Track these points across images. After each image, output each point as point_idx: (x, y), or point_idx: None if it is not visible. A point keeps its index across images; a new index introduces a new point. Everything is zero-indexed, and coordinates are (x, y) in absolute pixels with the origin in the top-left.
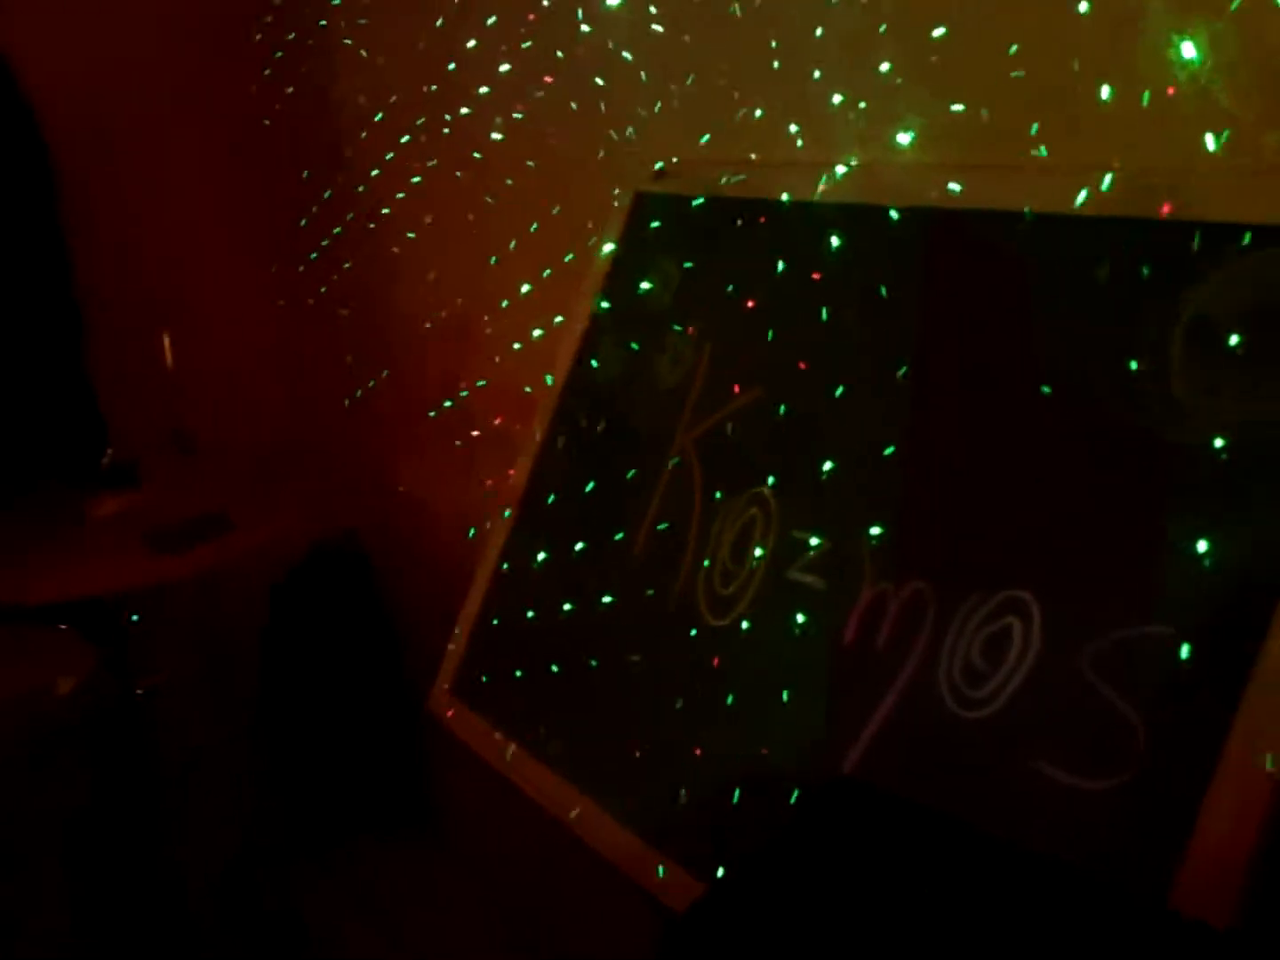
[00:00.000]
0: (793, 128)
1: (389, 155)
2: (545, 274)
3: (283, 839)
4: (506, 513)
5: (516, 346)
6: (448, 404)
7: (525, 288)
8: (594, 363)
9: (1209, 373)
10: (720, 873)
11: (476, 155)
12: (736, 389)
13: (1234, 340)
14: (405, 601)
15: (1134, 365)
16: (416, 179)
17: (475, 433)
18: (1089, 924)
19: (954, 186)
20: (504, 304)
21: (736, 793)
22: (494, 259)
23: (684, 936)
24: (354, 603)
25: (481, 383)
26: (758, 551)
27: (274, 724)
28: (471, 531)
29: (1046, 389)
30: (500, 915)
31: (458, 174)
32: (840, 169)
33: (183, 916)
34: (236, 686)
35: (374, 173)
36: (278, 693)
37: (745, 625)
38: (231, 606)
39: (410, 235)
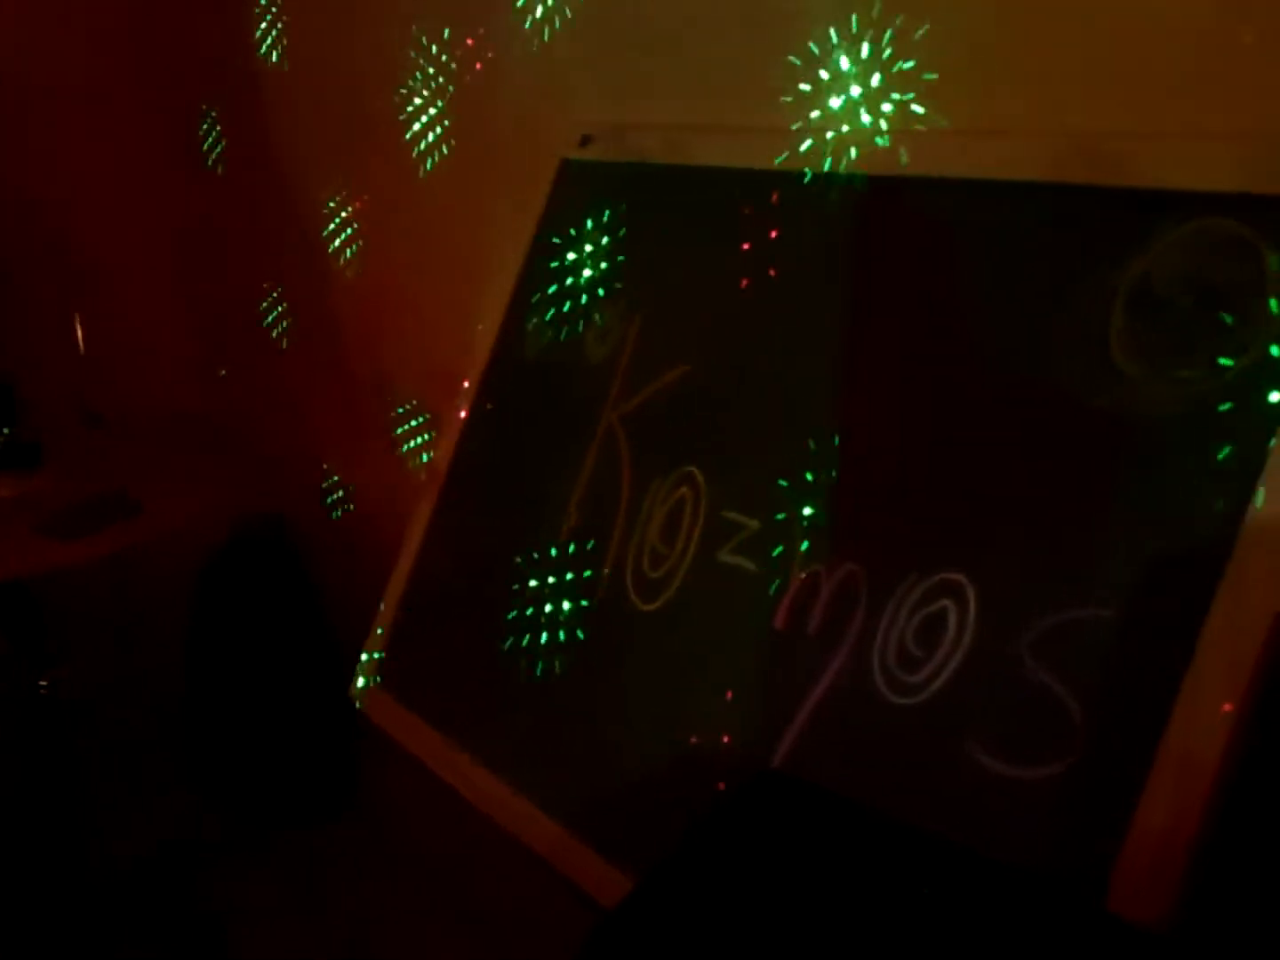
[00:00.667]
0: (724, 93)
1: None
2: (469, 245)
3: (210, 831)
4: (427, 494)
5: (440, 318)
6: (365, 371)
7: (448, 259)
8: (518, 336)
9: (1151, 343)
10: (647, 868)
11: (400, 119)
12: (665, 364)
13: (1176, 310)
14: (335, 585)
15: (1074, 336)
16: (336, 147)
17: (400, 409)
18: (1017, 924)
19: (890, 152)
20: (427, 275)
21: (664, 782)
22: (416, 228)
23: (606, 941)
24: (282, 587)
25: (404, 357)
26: (687, 533)
27: (201, 713)
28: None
29: (984, 363)
30: (434, 906)
31: (381, 142)
32: (771, 134)
33: (102, 913)
34: (159, 676)
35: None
36: (204, 681)
37: (675, 609)
38: (150, 593)
39: (330, 204)
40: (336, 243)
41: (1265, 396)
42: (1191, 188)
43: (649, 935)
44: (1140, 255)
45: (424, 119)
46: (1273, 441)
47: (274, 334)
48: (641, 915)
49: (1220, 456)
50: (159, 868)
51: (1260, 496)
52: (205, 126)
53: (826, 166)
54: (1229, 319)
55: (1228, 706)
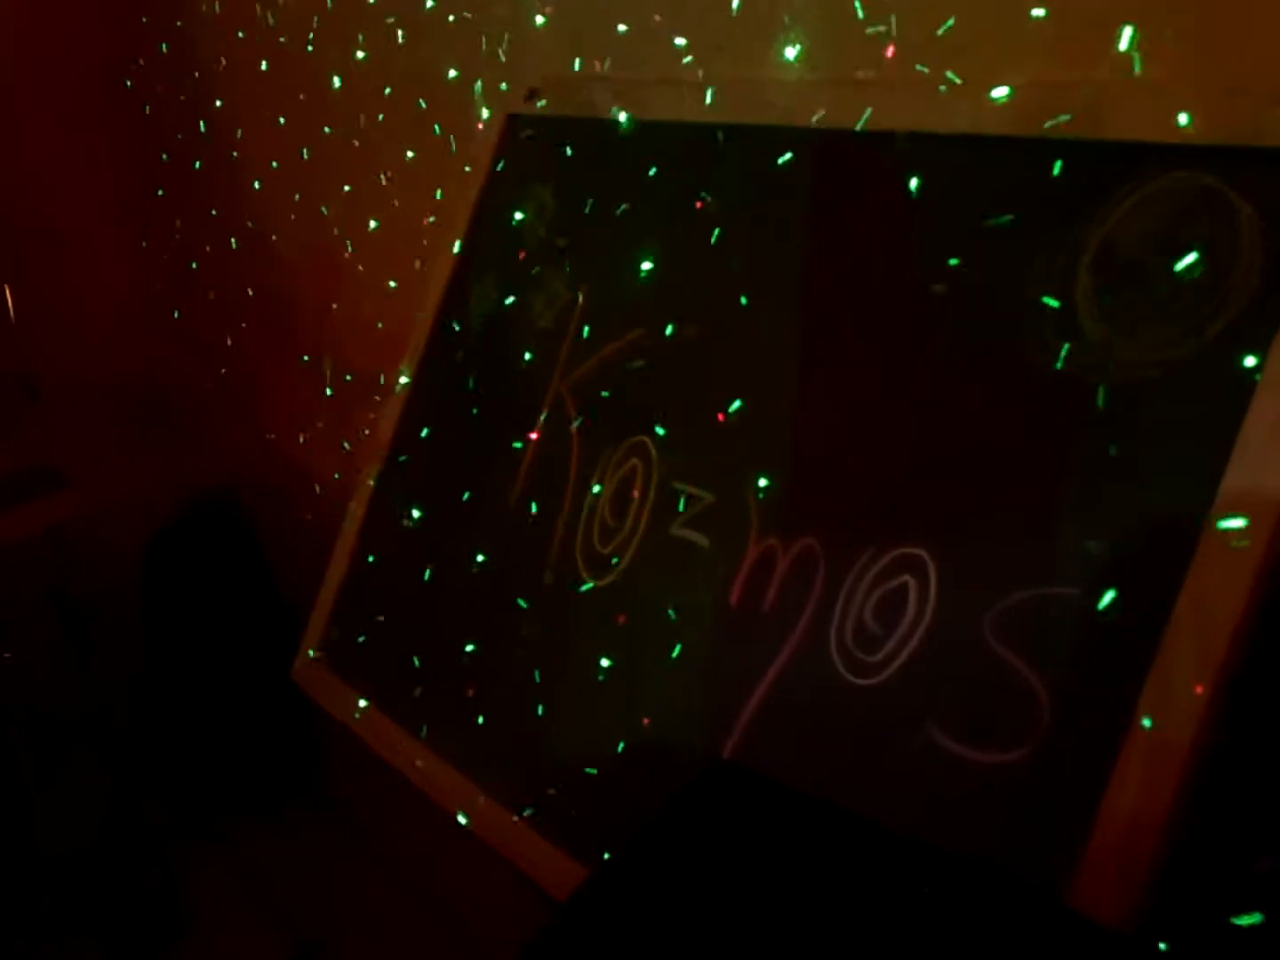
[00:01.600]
0: (677, 42)
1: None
2: (413, 206)
3: (163, 815)
4: (371, 466)
5: (386, 284)
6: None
7: (393, 221)
8: (463, 302)
9: (1119, 305)
10: (596, 855)
11: (338, 81)
12: (616, 329)
13: (1146, 270)
14: (289, 560)
15: (1038, 299)
16: (276, 110)
17: (347, 377)
18: (975, 921)
19: (849, 105)
20: (371, 238)
21: (615, 765)
22: (360, 190)
23: (554, 941)
24: (234, 564)
25: (349, 323)
26: (638, 506)
27: (153, 694)
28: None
29: (944, 327)
30: (390, 889)
31: (319, 101)
32: (724, 87)
33: (48, 900)
34: (107, 656)
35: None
36: (156, 661)
37: (625, 585)
38: (99, 571)
39: (274, 164)
40: (277, 204)
41: (1240, 360)
42: (1161, 140)
43: (599, 932)
44: (1107, 212)
45: (364, 72)
46: (1247, 407)
47: (213, 298)
48: (592, 912)
49: (1193, 424)
50: (110, 852)
51: (1235, 466)
52: (131, 82)
53: (783, 120)
54: (1201, 278)
55: (1199, 688)
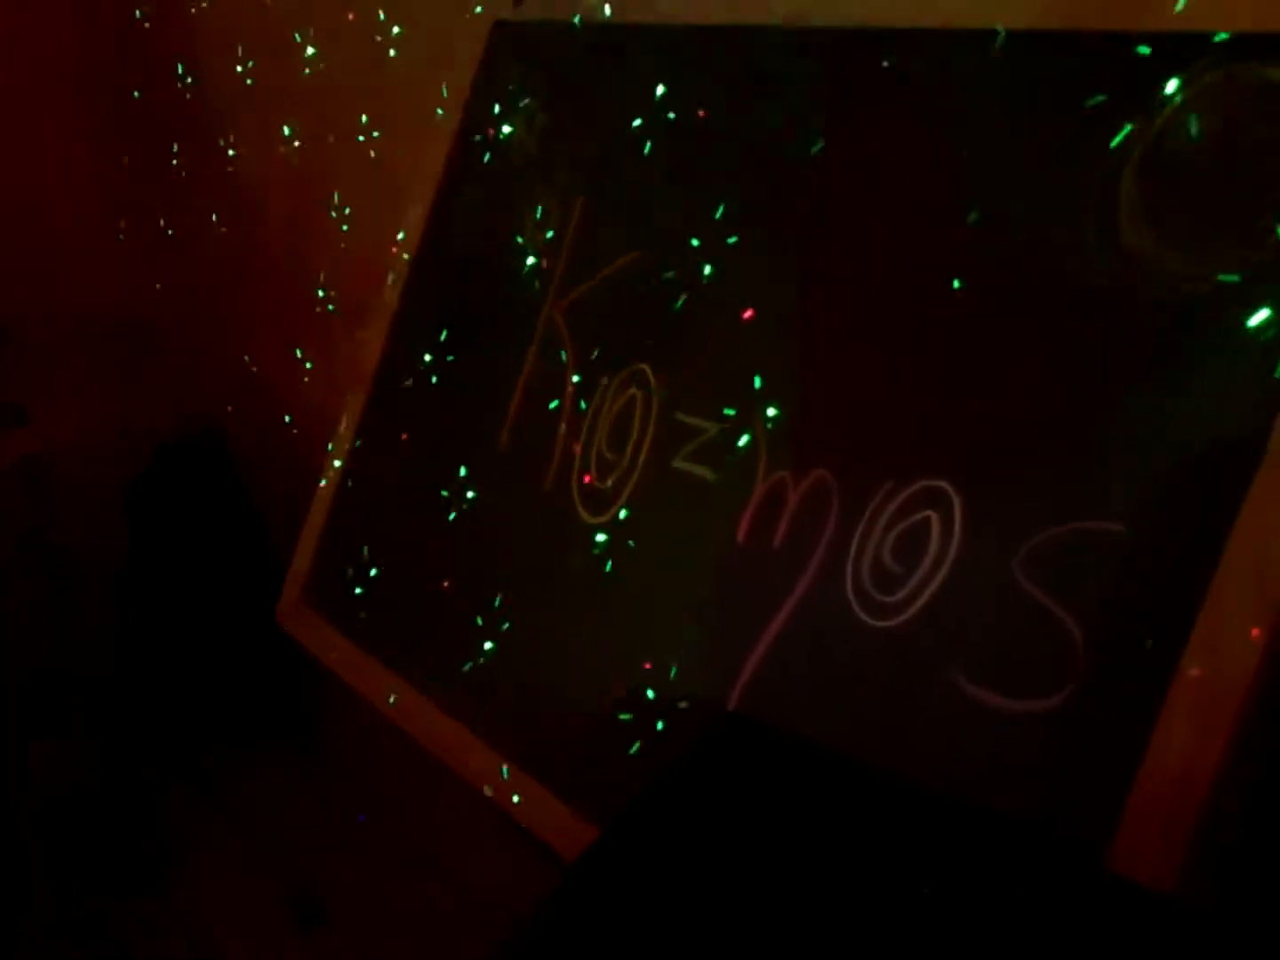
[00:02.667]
0: None
1: None
2: (395, 120)
3: (148, 760)
4: (355, 398)
5: (370, 204)
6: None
7: (375, 135)
8: (450, 221)
9: (1169, 214)
10: (596, 806)
11: None
12: (612, 249)
13: (1200, 173)
14: (273, 497)
15: (1078, 209)
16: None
17: (330, 306)
18: (1004, 880)
19: (854, 3)
20: (352, 155)
21: (615, 713)
22: (339, 109)
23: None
24: (217, 502)
25: (332, 246)
26: (638, 438)
27: (138, 633)
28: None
29: (972, 240)
30: (380, 834)
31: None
32: None
33: (33, 845)
34: (89, 599)
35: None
36: (139, 604)
37: (625, 523)
38: (75, 513)
39: (249, 82)
40: (252, 126)
41: None
42: (1216, 28)
43: (609, 896)
44: (1156, 110)
45: None
46: None
47: (190, 227)
48: (601, 875)
49: (1249, 343)
50: (96, 798)
51: None
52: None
53: (785, 20)
54: (1261, 182)
55: (1255, 631)
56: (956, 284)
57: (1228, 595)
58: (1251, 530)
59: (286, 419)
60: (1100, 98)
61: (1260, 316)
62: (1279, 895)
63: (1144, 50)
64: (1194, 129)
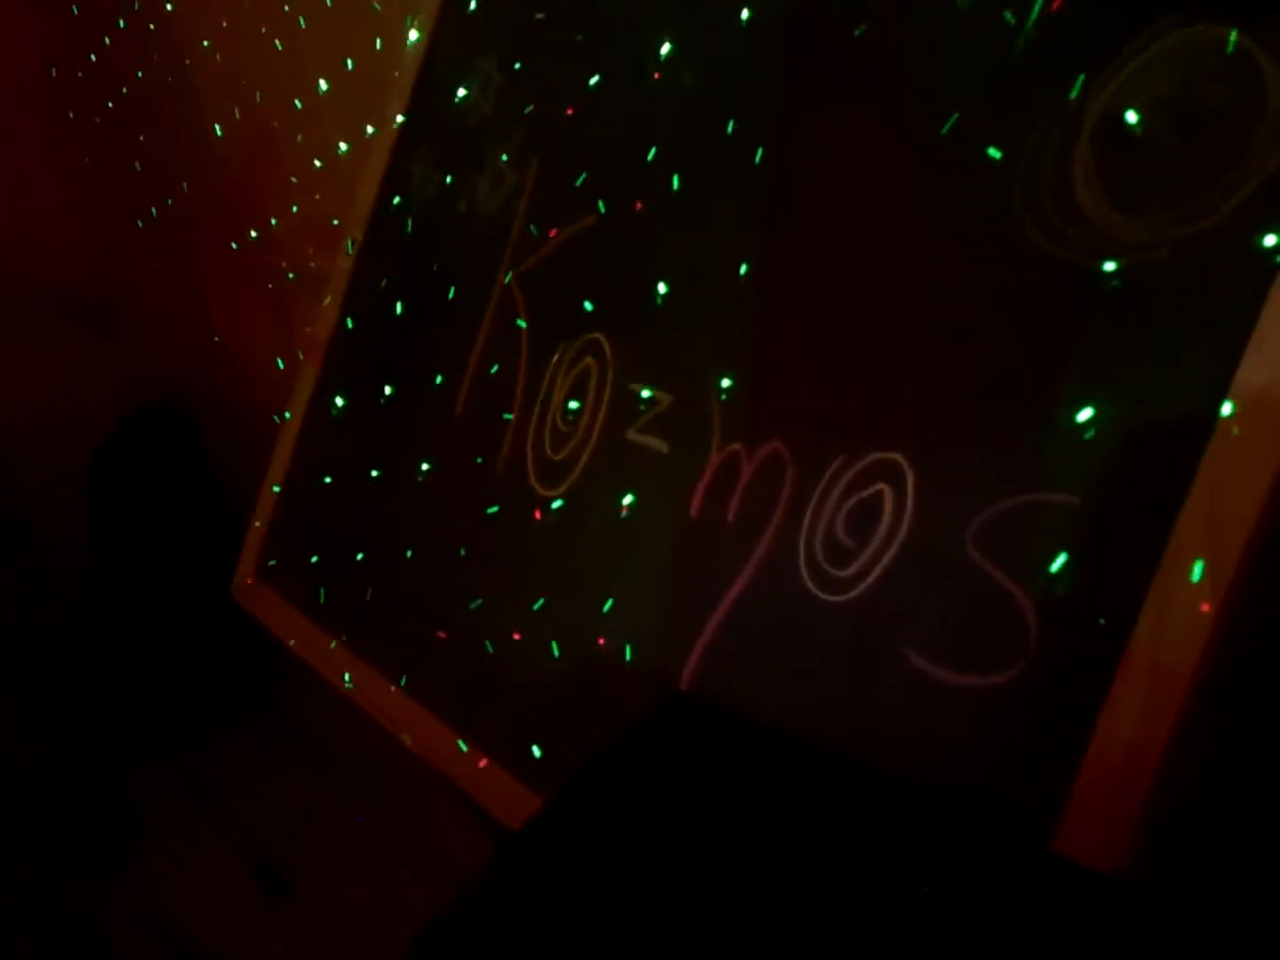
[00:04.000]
0: None
1: None
2: (350, 80)
3: (111, 728)
4: (309, 368)
5: (319, 165)
6: (254, 235)
7: (329, 98)
8: (404, 185)
9: (1125, 180)
10: (548, 782)
11: None
12: (569, 215)
13: (1156, 139)
14: (236, 468)
15: (1031, 174)
16: None
17: (289, 273)
18: (950, 860)
19: None
20: (307, 117)
21: (568, 688)
22: (294, 76)
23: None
24: (180, 473)
25: (289, 215)
26: (593, 409)
27: (101, 607)
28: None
29: (925, 206)
30: (344, 806)
31: None
32: None
33: None
34: (51, 571)
35: None
36: (102, 575)
37: (579, 495)
38: (34, 481)
39: (205, 44)
40: (218, 90)
41: (1259, 240)
42: None
43: (547, 864)
44: (1112, 74)
45: None
46: (1266, 292)
47: (151, 197)
48: (541, 844)
49: (1205, 311)
50: (59, 769)
51: (1251, 357)
52: None
53: None
54: (1218, 148)
55: (1206, 606)
56: (910, 254)
57: (1178, 569)
58: (1203, 503)
59: (248, 391)
60: (1055, 57)
61: (1212, 287)
62: (1227, 874)
63: (1101, 9)
64: (1151, 92)
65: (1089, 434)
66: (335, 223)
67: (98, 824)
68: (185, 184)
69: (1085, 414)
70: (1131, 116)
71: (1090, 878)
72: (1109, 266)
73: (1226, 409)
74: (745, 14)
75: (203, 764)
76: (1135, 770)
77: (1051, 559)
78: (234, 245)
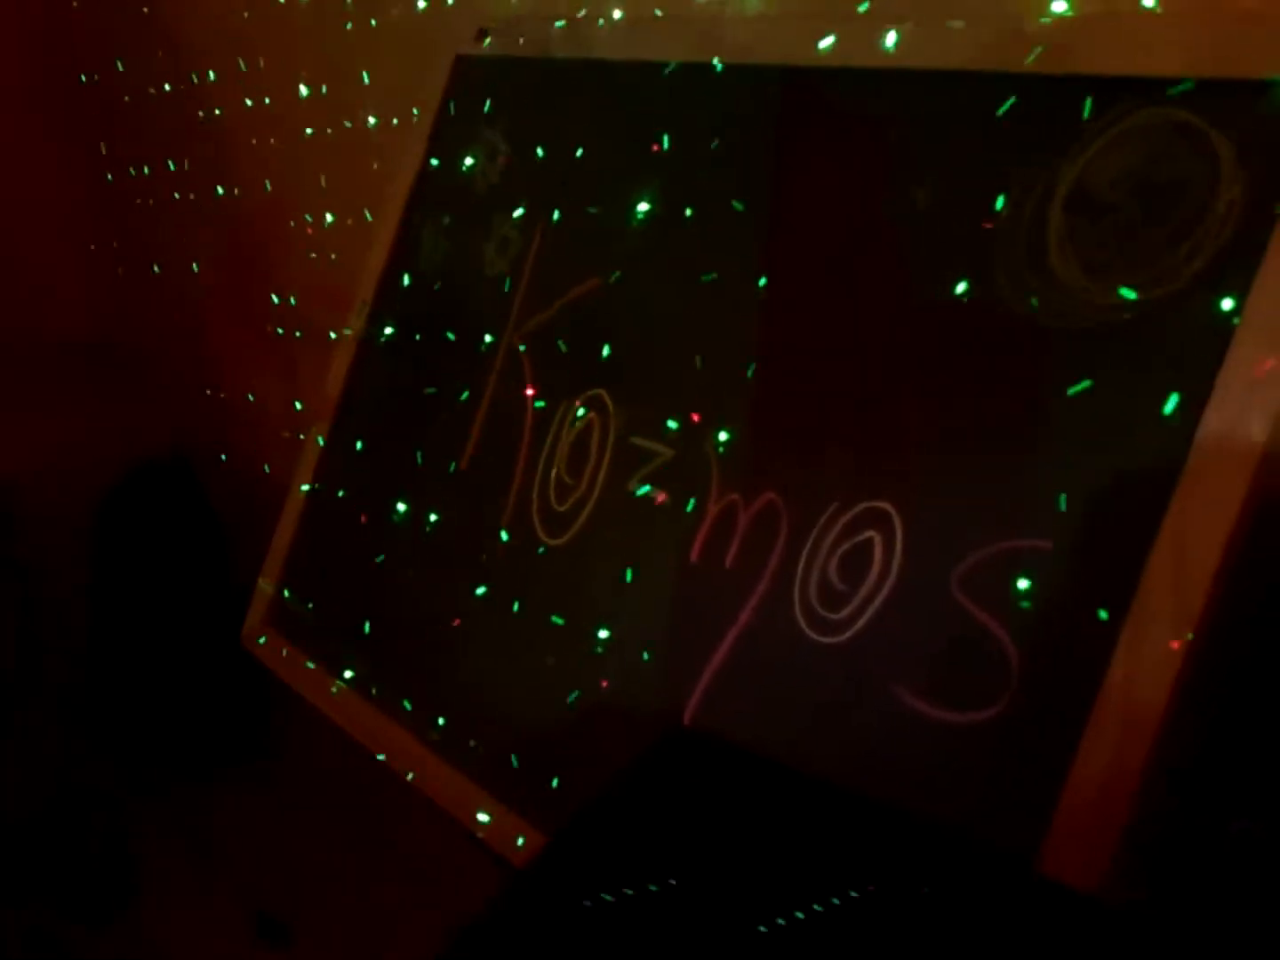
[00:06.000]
0: None
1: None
2: (362, 151)
3: (111, 779)
4: (320, 424)
5: (335, 235)
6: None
7: (341, 170)
8: (413, 250)
9: (1093, 248)
10: (558, 823)
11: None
12: (571, 278)
13: (1121, 210)
14: (241, 520)
15: (1008, 243)
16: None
17: (298, 333)
18: (942, 886)
19: (810, 41)
20: (318, 184)
21: (574, 730)
22: (309, 139)
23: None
24: (184, 523)
25: (299, 276)
26: (595, 463)
27: (103, 655)
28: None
29: (911, 273)
30: (345, 855)
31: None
32: (680, 23)
33: None
34: (55, 619)
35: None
36: (104, 625)
37: (583, 544)
38: (42, 529)
39: (217, 112)
40: (229, 155)
41: (1217, 304)
42: (1135, 73)
43: (552, 898)
44: (1080, 150)
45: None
46: (1225, 352)
47: (165, 253)
48: (546, 878)
49: (1168, 371)
50: (59, 816)
51: (1212, 413)
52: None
53: (742, 58)
54: (1177, 218)
55: (1175, 644)
56: (895, 318)
57: (1149, 611)
58: (1170, 549)
59: (255, 445)
60: (1030, 135)
61: (1175, 342)
62: (1201, 893)
63: (1071, 91)
64: (1116, 167)
65: (1063, 484)
66: (345, 284)
67: (97, 872)
68: (200, 244)
69: (1059, 465)
70: (1098, 190)
71: (1075, 898)
72: (1079, 328)
73: (1188, 462)
74: (741, 96)
75: (202, 813)
76: (1113, 798)
77: (1030, 601)
78: (244, 304)
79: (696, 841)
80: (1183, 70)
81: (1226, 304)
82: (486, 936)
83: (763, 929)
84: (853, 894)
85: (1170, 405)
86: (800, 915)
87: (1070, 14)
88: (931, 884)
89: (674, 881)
